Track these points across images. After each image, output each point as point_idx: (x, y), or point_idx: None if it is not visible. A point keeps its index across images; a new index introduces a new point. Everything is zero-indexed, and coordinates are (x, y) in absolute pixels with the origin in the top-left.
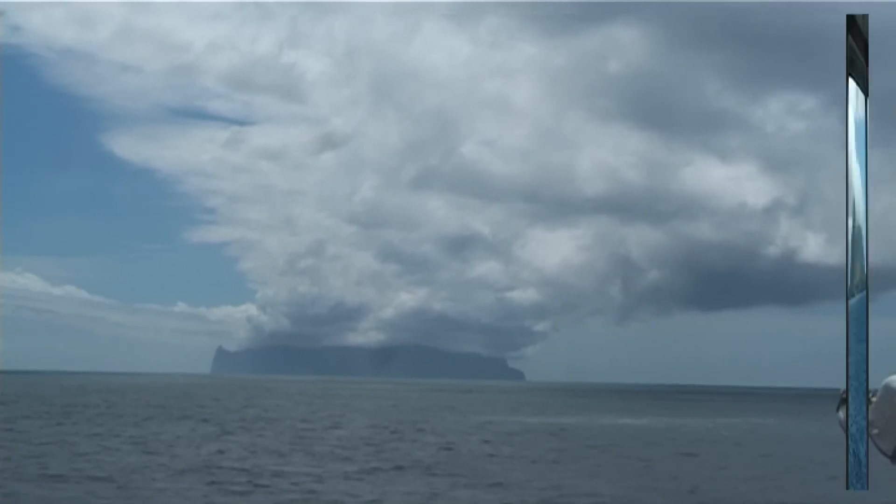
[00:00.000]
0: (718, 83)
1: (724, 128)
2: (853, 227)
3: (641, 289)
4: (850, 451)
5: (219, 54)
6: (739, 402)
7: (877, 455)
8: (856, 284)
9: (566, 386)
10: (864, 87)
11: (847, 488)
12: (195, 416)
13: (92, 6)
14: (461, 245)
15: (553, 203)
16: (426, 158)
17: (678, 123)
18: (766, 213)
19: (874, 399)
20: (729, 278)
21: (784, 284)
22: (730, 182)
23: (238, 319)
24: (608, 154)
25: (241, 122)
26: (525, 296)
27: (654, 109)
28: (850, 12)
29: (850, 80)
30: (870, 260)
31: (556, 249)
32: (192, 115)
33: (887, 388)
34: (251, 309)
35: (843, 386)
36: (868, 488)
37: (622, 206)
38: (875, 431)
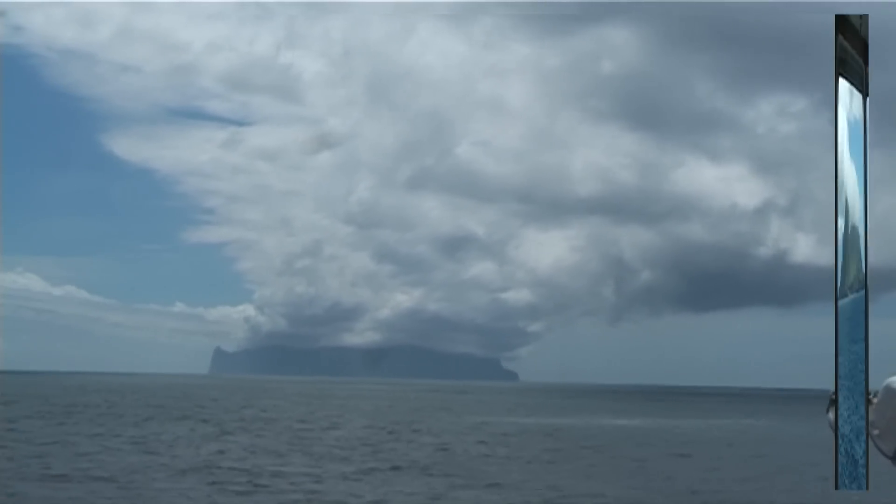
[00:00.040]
0: (710, 84)
1: (715, 129)
2: (847, 227)
3: (633, 289)
4: (842, 451)
5: (217, 54)
6: (730, 402)
7: (877, 456)
8: (850, 285)
9: (559, 387)
10: (859, 87)
11: (836, 489)
12: (194, 416)
13: (92, 6)
14: (456, 246)
15: (546, 204)
16: (421, 159)
17: (670, 124)
18: (756, 214)
19: (875, 400)
20: (720, 279)
21: (774, 285)
22: (721, 183)
23: (236, 320)
24: (601, 155)
25: (239, 123)
26: (519, 296)
27: (647, 110)
28: (840, 12)
29: (843, 80)
30: (869, 261)
31: (550, 250)
32: (190, 115)
33: (888, 389)
34: (249, 309)
35: (832, 387)
36: (868, 488)
37: (615, 206)
38: (876, 432)
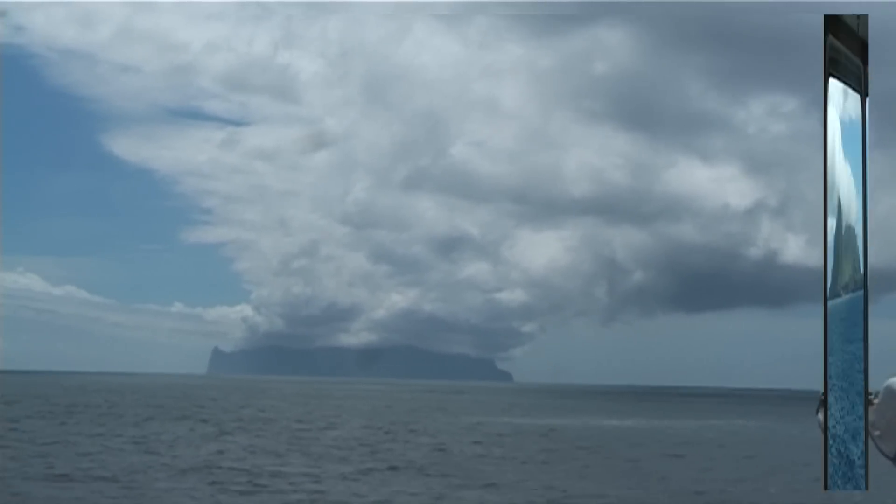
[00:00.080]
0: (701, 84)
1: (706, 129)
2: (842, 227)
3: (626, 290)
4: (836, 452)
5: (215, 55)
6: (722, 403)
7: (877, 456)
8: (844, 285)
9: (553, 387)
10: (856, 87)
11: (825, 489)
12: (194, 416)
13: (92, 6)
14: (451, 246)
15: (540, 204)
16: (417, 159)
17: (662, 124)
18: (748, 215)
19: (876, 401)
20: (711, 280)
21: (765, 286)
22: (712, 183)
23: (233, 320)
24: (594, 155)
25: (237, 123)
26: (513, 297)
27: (639, 110)
28: (832, 13)
29: (837, 81)
30: (869, 261)
31: (543, 251)
32: (189, 115)
33: (889, 389)
34: (246, 310)
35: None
36: (868, 488)
37: (607, 207)
38: (877, 433)
